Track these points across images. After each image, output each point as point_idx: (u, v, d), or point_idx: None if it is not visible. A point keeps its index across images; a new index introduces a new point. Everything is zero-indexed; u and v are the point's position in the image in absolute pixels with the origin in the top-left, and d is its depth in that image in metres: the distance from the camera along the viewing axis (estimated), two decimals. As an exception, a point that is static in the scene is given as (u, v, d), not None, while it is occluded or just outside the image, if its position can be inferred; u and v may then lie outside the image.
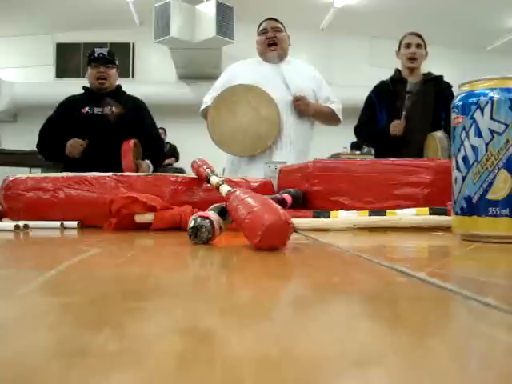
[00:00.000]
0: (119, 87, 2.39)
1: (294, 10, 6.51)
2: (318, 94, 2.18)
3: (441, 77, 2.36)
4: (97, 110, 2.26)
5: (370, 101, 2.37)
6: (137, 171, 2.11)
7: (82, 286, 0.32)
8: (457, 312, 0.27)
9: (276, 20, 2.24)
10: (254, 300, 0.28)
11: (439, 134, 2.03)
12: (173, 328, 0.22)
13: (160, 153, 2.45)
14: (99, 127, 2.21)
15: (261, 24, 2.26)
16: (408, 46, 2.31)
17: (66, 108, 2.30)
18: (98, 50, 2.31)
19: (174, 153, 6.03)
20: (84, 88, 2.39)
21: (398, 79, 2.34)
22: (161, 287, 0.32)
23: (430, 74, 2.37)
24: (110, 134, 2.20)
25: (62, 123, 2.23)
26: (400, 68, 2.38)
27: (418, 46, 2.30)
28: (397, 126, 2.20)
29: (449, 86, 2.31)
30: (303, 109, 2.09)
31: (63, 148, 2.19)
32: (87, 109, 2.25)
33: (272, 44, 2.18)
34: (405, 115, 2.19)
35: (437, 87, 2.30)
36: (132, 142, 2.12)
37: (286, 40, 2.22)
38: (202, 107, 2.21)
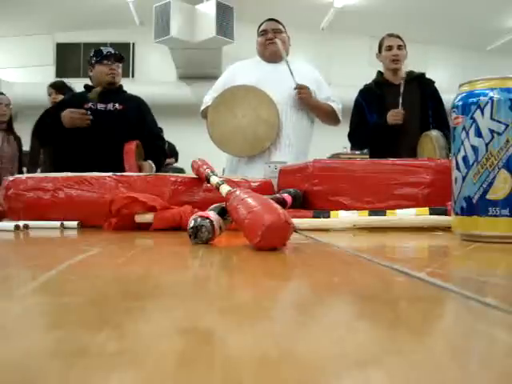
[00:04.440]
0: (121, 86, 2.41)
1: (293, 10, 6.51)
2: (319, 95, 2.18)
3: (423, 74, 2.39)
4: (100, 106, 2.27)
5: (359, 105, 2.39)
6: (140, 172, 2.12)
7: (82, 286, 0.32)
8: (457, 312, 0.27)
9: (276, 21, 2.24)
10: (254, 300, 0.28)
11: (434, 133, 2.04)
12: (173, 328, 0.22)
13: (162, 152, 2.46)
14: (102, 123, 2.21)
15: (261, 25, 2.25)
16: (390, 48, 2.34)
17: (68, 104, 2.29)
18: (105, 49, 2.35)
19: (173, 152, 5.99)
20: (86, 86, 2.39)
21: (382, 82, 2.36)
22: (161, 287, 0.32)
23: (412, 72, 2.38)
24: (112, 130, 2.21)
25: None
26: (382, 70, 2.40)
27: (399, 47, 2.34)
28: (395, 115, 2.19)
29: (432, 82, 2.33)
30: (305, 97, 2.08)
31: (61, 130, 2.18)
32: (90, 105, 2.26)
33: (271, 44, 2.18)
34: (401, 103, 2.20)
35: (421, 85, 2.32)
36: (134, 143, 2.12)
37: (286, 41, 2.21)
38: (202, 107, 2.21)
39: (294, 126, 2.11)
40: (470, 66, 6.78)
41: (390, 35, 2.37)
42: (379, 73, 2.42)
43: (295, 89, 2.06)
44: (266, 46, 2.18)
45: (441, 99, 2.32)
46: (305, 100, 2.09)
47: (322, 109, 2.19)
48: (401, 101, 2.21)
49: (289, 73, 2.08)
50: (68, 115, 2.16)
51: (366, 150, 5.53)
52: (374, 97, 2.34)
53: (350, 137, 2.45)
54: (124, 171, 1.98)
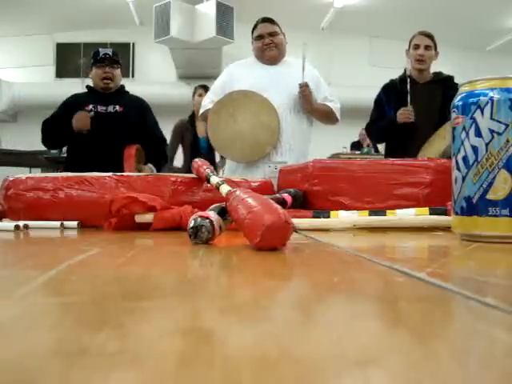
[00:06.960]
0: (122, 87, 2.40)
1: (293, 10, 6.52)
2: (317, 94, 2.17)
3: (451, 77, 2.35)
4: (101, 109, 2.27)
5: (380, 100, 2.38)
6: None
7: (82, 286, 0.32)
8: (457, 312, 0.27)
9: (271, 22, 2.20)
10: (254, 300, 0.28)
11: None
12: (173, 328, 0.22)
13: (163, 155, 2.45)
14: (103, 125, 2.21)
15: (255, 26, 2.22)
16: (416, 47, 2.28)
17: (69, 105, 2.29)
18: (102, 51, 2.32)
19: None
20: (88, 87, 2.39)
21: (405, 79, 2.33)
22: (161, 287, 0.32)
23: (440, 73, 2.35)
24: (113, 132, 2.21)
25: (66, 120, 2.23)
26: (409, 68, 2.37)
27: (427, 47, 2.27)
28: (404, 113, 2.20)
29: (456, 88, 2.29)
30: (307, 94, 2.07)
31: (68, 134, 2.20)
32: (91, 106, 2.25)
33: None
34: (410, 101, 2.19)
35: (445, 87, 2.28)
36: (134, 147, 2.12)
37: (283, 42, 2.20)
38: (202, 111, 2.20)
39: (294, 130, 2.10)
40: (469, 66, 6.78)
41: (421, 33, 2.32)
42: (406, 70, 2.38)
43: (300, 85, 2.05)
44: (264, 50, 2.17)
45: None
46: (307, 98, 2.08)
47: (320, 111, 2.19)
48: (409, 99, 2.20)
49: (301, 68, 2.06)
50: (74, 118, 2.17)
51: (366, 150, 5.56)
52: (395, 93, 2.32)
53: (367, 129, 2.47)
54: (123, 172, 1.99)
